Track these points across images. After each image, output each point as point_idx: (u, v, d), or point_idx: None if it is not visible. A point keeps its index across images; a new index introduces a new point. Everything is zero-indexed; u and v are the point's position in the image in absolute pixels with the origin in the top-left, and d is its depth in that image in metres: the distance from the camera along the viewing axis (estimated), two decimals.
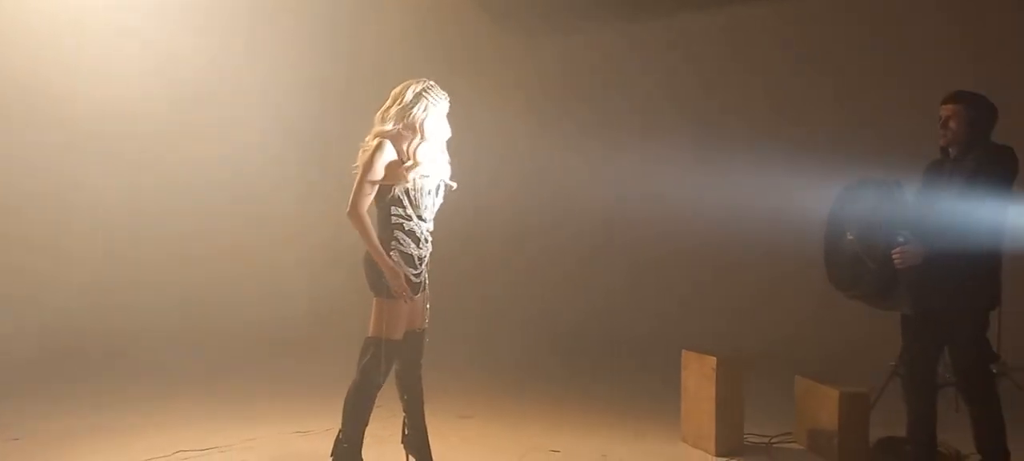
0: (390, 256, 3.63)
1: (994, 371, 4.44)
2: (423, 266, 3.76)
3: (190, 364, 6.68)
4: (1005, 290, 4.09)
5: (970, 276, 3.68)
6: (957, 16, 6.85)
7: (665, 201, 7.86)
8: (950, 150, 3.85)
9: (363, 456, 3.76)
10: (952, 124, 3.77)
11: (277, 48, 7.90)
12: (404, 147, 3.67)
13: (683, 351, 4.89)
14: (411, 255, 3.69)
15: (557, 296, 8.53)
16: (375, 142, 3.63)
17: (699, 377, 4.70)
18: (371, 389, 3.72)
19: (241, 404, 5.62)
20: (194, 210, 7.63)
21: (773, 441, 4.79)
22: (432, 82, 3.73)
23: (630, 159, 7.89)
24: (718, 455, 4.55)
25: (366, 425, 3.75)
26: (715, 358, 4.59)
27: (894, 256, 3.63)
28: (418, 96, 3.65)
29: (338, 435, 3.75)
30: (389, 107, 3.67)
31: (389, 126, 3.64)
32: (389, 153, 3.62)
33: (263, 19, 7.79)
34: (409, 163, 3.66)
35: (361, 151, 3.71)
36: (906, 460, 4.08)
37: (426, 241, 3.76)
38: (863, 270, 3.78)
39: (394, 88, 3.72)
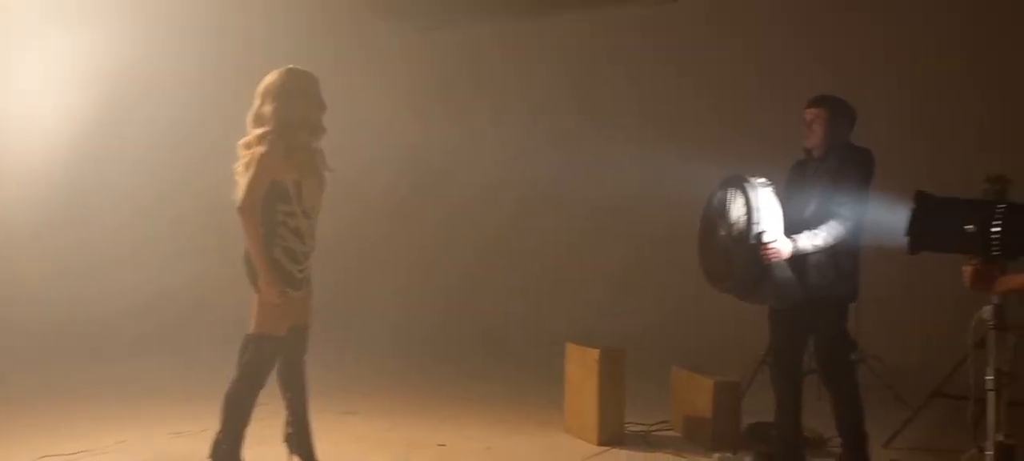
0: (274, 253, 3.56)
1: (853, 359, 4.75)
2: (307, 262, 3.70)
3: (56, 364, 6.33)
4: (862, 284, 4.38)
5: (832, 270, 3.91)
6: (824, 27, 7.28)
7: (546, 193, 8.03)
8: (814, 151, 4.08)
9: (243, 456, 3.67)
10: (816, 126, 4.00)
11: (158, 44, 7.58)
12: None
13: (567, 343, 5.00)
14: (295, 251, 3.62)
15: (440, 290, 8.55)
16: (264, 136, 3.55)
17: (582, 369, 4.81)
18: (252, 387, 3.63)
19: (112, 405, 5.37)
20: (65, 206, 7.25)
21: (652, 429, 4.96)
22: (293, 66, 3.68)
23: (511, 150, 7.99)
24: (600, 444, 4.67)
25: (246, 425, 3.65)
26: (598, 350, 4.71)
27: (762, 252, 3.81)
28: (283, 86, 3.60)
29: (216, 436, 3.64)
30: (262, 105, 3.59)
31: (271, 124, 3.57)
32: (278, 147, 3.54)
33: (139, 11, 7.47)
34: (294, 157, 3.59)
35: (243, 146, 3.62)
36: (773, 444, 4.31)
37: (310, 237, 3.70)
38: (734, 266, 3.95)
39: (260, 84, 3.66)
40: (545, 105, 8.27)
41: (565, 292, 7.98)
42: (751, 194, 3.86)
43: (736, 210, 3.91)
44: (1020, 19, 6.56)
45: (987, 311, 3.39)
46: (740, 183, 3.93)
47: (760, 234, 3.81)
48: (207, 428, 3.75)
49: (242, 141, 3.64)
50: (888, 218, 3.66)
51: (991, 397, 3.31)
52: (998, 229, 3.28)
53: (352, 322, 8.08)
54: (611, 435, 4.70)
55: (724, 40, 7.66)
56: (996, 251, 3.30)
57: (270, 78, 3.64)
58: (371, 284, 8.70)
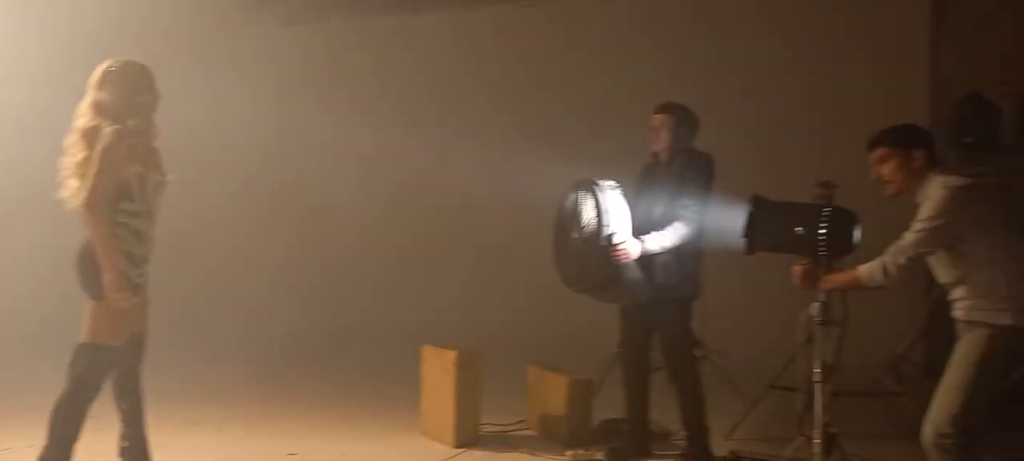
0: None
1: (697, 355, 4.97)
2: (146, 267, 3.51)
3: None
4: (706, 282, 4.58)
5: (677, 270, 4.08)
6: (672, 37, 7.58)
7: (405, 192, 7.98)
8: (660, 155, 4.25)
9: None
10: (662, 132, 4.17)
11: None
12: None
13: (423, 346, 4.97)
14: (134, 255, 3.42)
15: (297, 291, 8.33)
16: (112, 129, 3.33)
17: (438, 371, 4.80)
18: (85, 399, 3.40)
19: None
20: None
21: (508, 429, 5.01)
22: (128, 57, 3.50)
23: (373, 148, 7.89)
24: (456, 447, 4.67)
25: (76, 439, 3.42)
26: (455, 352, 4.71)
27: (612, 253, 3.92)
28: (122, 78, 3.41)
29: (43, 451, 3.39)
30: (97, 95, 3.38)
31: (107, 116, 3.36)
32: (123, 141, 3.33)
33: None
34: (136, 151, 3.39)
35: (77, 136, 3.38)
36: (624, 439, 4.45)
37: (150, 239, 3.51)
38: (586, 267, 4.05)
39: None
40: (408, 104, 8.22)
41: (423, 293, 7.94)
42: (601, 197, 3.97)
43: (587, 213, 4.01)
44: (851, 31, 7.05)
45: (814, 308, 3.63)
46: (590, 186, 4.04)
47: (610, 236, 3.93)
48: (35, 443, 3.48)
49: (72, 135, 3.40)
50: (728, 220, 3.86)
51: (817, 388, 3.55)
52: (824, 231, 3.52)
53: (203, 326, 7.76)
54: (467, 437, 4.71)
55: (579, 45, 7.85)
56: (823, 252, 3.55)
57: (103, 67, 3.43)
58: (226, 285, 8.38)
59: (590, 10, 7.90)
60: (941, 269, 3.34)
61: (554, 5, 7.99)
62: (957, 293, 3.30)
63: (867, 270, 3.40)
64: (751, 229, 3.64)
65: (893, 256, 3.31)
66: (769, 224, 3.63)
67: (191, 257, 8.03)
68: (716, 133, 4.53)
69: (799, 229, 3.55)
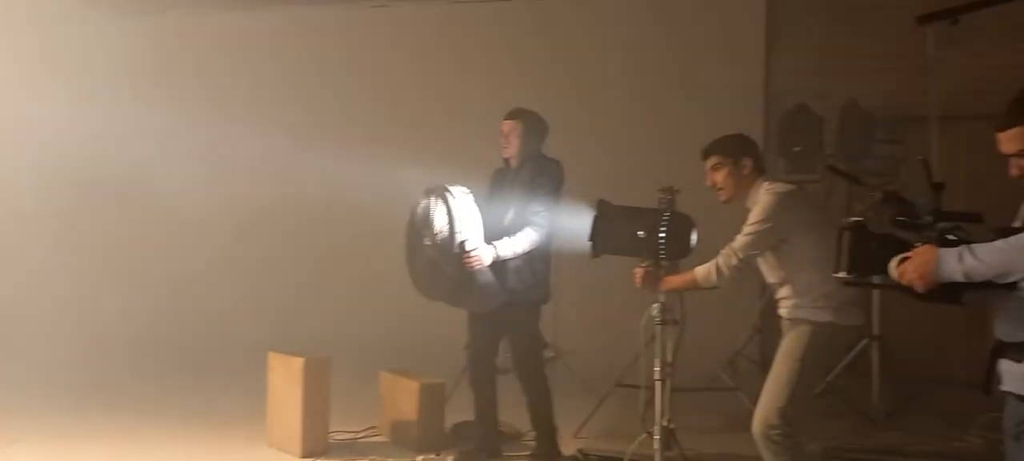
0: None
1: (548, 357, 5.09)
2: None
3: None
4: (556, 285, 4.66)
5: (529, 274, 4.15)
6: (525, 45, 7.71)
7: (252, 199, 7.71)
8: (511, 161, 4.31)
9: None
10: (512, 138, 4.23)
11: None
12: None
13: (269, 353, 4.83)
14: None
15: (131, 298, 7.88)
16: None
17: (285, 379, 4.67)
18: None
19: None
20: None
21: (358, 437, 4.94)
22: None
23: (223, 148, 7.57)
24: (304, 456, 4.55)
25: None
26: (302, 359, 4.60)
27: (465, 260, 3.95)
28: None
29: None
30: None
31: None
32: None
33: None
34: None
35: None
36: (474, 441, 4.49)
37: None
38: (439, 273, 4.05)
39: None
40: (259, 103, 7.93)
41: (271, 300, 7.70)
42: (452, 203, 3.98)
43: (439, 220, 4.01)
44: (693, 43, 7.39)
45: (655, 308, 3.78)
46: (442, 193, 4.05)
47: (462, 243, 3.95)
48: None
49: None
50: (576, 225, 3.96)
51: (657, 386, 3.70)
52: (664, 235, 3.68)
53: (32, 334, 7.21)
54: (315, 445, 4.60)
55: (429, 48, 7.84)
56: (662, 255, 3.71)
57: None
58: (56, 289, 7.81)
59: (441, 13, 7.91)
60: (768, 270, 3.57)
61: (405, 6, 7.95)
62: (782, 293, 3.53)
63: (703, 271, 3.60)
64: (596, 233, 3.75)
65: (726, 258, 3.51)
66: (613, 228, 3.75)
67: (19, 261, 7.49)
68: (564, 139, 4.63)
69: (641, 233, 3.69)
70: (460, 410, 4.87)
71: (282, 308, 7.50)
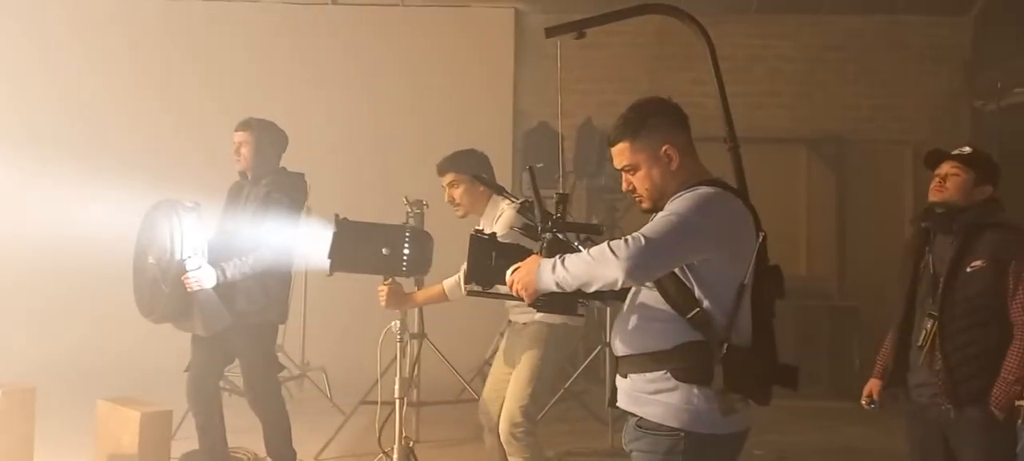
0: None
1: (291, 375, 4.89)
2: None
3: None
4: (306, 300, 4.48)
5: (261, 295, 3.92)
6: (273, 52, 7.42)
7: None
8: (247, 174, 4.07)
9: None
10: (243, 150, 4.00)
11: None
12: None
13: None
14: None
15: None
16: None
17: None
18: None
19: None
20: None
21: None
22: None
23: None
24: None
25: None
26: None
27: (185, 280, 3.67)
28: None
29: None
30: None
31: None
32: None
33: None
34: None
35: None
36: None
37: None
38: (160, 293, 3.75)
39: None
40: None
41: None
42: (176, 220, 3.70)
43: (161, 237, 3.72)
44: (445, 57, 7.48)
45: (396, 325, 3.75)
46: (168, 209, 3.76)
47: (183, 262, 3.67)
48: None
49: None
50: (318, 240, 3.82)
51: (397, 403, 3.66)
52: (408, 251, 3.66)
53: None
54: None
55: (166, 58, 7.33)
56: (406, 270, 3.69)
57: None
58: None
59: (182, 15, 7.42)
60: None
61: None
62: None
63: (451, 284, 3.64)
64: (335, 250, 3.64)
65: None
66: (353, 245, 3.66)
67: None
68: (307, 152, 4.47)
69: (385, 250, 3.63)
70: (193, 440, 4.55)
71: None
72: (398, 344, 3.72)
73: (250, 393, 4.04)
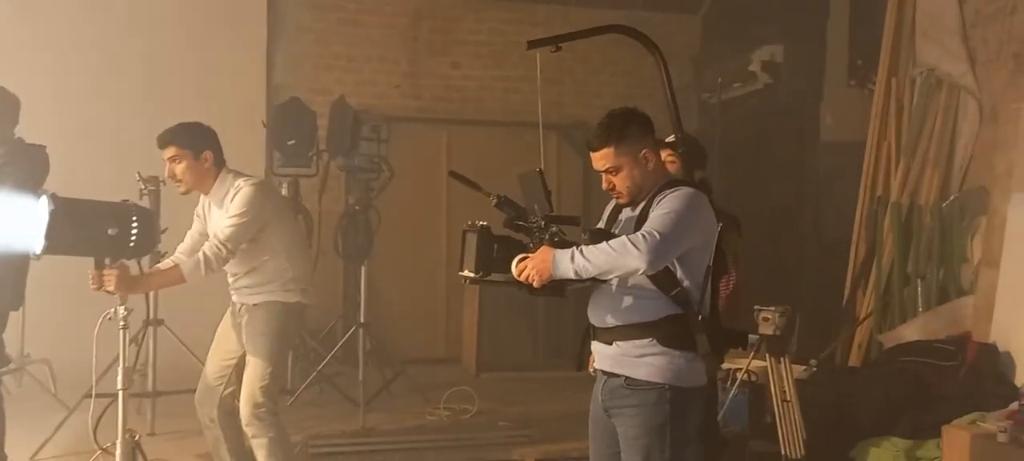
0: None
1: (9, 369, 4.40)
2: None
3: None
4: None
5: None
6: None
7: None
8: None
9: None
10: None
11: None
12: None
13: None
14: None
15: None
16: None
17: None
18: None
19: None
20: None
21: None
22: None
23: None
24: None
25: None
26: None
27: None
28: None
29: None
30: None
31: None
32: None
33: None
34: None
35: None
36: None
37: None
38: None
39: None
40: None
41: None
42: None
43: None
44: (201, 28, 7.04)
45: (120, 311, 3.47)
46: None
47: None
48: None
49: None
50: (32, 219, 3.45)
51: (120, 395, 3.41)
52: (136, 231, 3.41)
53: None
54: None
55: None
56: (133, 251, 3.43)
57: None
58: None
59: None
60: (237, 258, 3.55)
61: None
62: (245, 280, 3.62)
63: (190, 266, 3.49)
64: (53, 230, 3.30)
65: (214, 251, 3.45)
66: (77, 225, 3.34)
67: None
68: (30, 123, 4.04)
69: (113, 230, 3.35)
70: None
71: None
72: (120, 331, 3.44)
73: None
